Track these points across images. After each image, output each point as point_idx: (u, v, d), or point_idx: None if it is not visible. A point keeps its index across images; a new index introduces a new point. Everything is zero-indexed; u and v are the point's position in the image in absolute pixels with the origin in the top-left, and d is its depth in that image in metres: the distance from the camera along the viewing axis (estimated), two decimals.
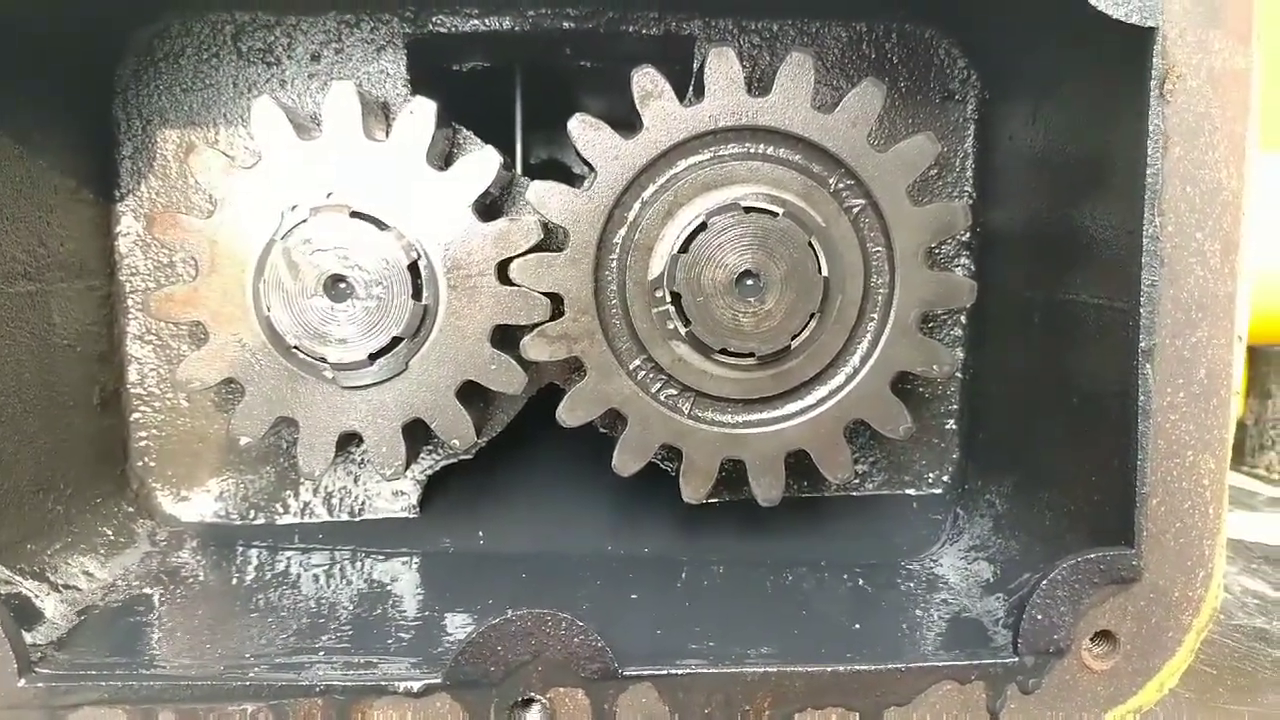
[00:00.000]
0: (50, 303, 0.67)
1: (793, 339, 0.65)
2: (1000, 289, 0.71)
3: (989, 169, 0.73)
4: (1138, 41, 0.50)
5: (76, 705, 0.53)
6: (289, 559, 0.76)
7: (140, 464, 0.76)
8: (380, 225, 0.64)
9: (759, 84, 0.66)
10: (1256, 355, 1.21)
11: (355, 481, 0.77)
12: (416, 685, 0.53)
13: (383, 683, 0.53)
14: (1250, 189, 0.51)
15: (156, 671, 0.56)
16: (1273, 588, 0.93)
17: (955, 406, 0.77)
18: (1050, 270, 0.65)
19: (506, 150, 0.79)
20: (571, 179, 0.68)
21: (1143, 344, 0.51)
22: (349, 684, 0.53)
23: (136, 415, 0.76)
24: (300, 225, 0.64)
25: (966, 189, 0.74)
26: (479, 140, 0.72)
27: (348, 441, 0.68)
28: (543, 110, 0.84)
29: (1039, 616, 0.54)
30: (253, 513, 0.77)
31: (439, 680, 0.53)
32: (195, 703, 0.54)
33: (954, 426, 0.77)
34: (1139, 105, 0.50)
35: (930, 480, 0.77)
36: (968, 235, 0.73)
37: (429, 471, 0.77)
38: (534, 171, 0.72)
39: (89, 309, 0.72)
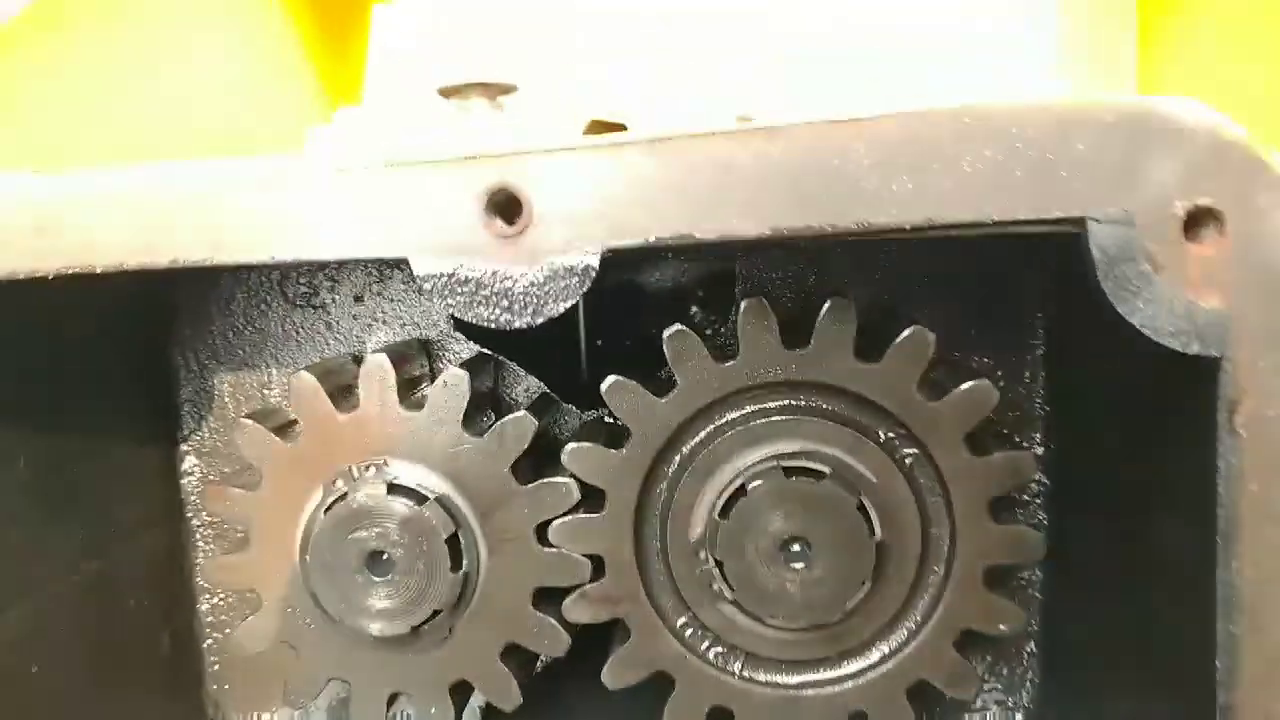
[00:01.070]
0: (119, 571, 0.70)
1: (846, 604, 0.61)
2: (1080, 532, 0.65)
3: (1067, 394, 0.67)
4: (1207, 370, 0.44)
5: None
6: None
7: (215, 688, 0.78)
8: (419, 498, 0.63)
9: (797, 322, 0.62)
10: None
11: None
12: None
13: None
14: None
15: None
16: None
17: (1034, 631, 0.71)
18: (1125, 521, 0.60)
19: (565, 362, 0.77)
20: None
21: (1221, 699, 0.46)
22: None
23: (210, 642, 0.78)
24: (339, 501, 0.64)
25: (1037, 415, 0.68)
26: (522, 372, 0.71)
27: (397, 697, 0.68)
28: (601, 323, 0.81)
29: None
30: None
31: None
32: None
33: (1033, 650, 0.71)
34: (1205, 437, 0.44)
35: (1010, 706, 0.72)
36: (1037, 484, 0.67)
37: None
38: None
39: (158, 557, 0.74)
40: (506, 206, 0.47)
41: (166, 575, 0.75)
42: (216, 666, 0.78)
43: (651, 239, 0.46)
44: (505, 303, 0.48)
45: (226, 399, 0.75)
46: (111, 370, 0.70)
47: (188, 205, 0.48)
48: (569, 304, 0.47)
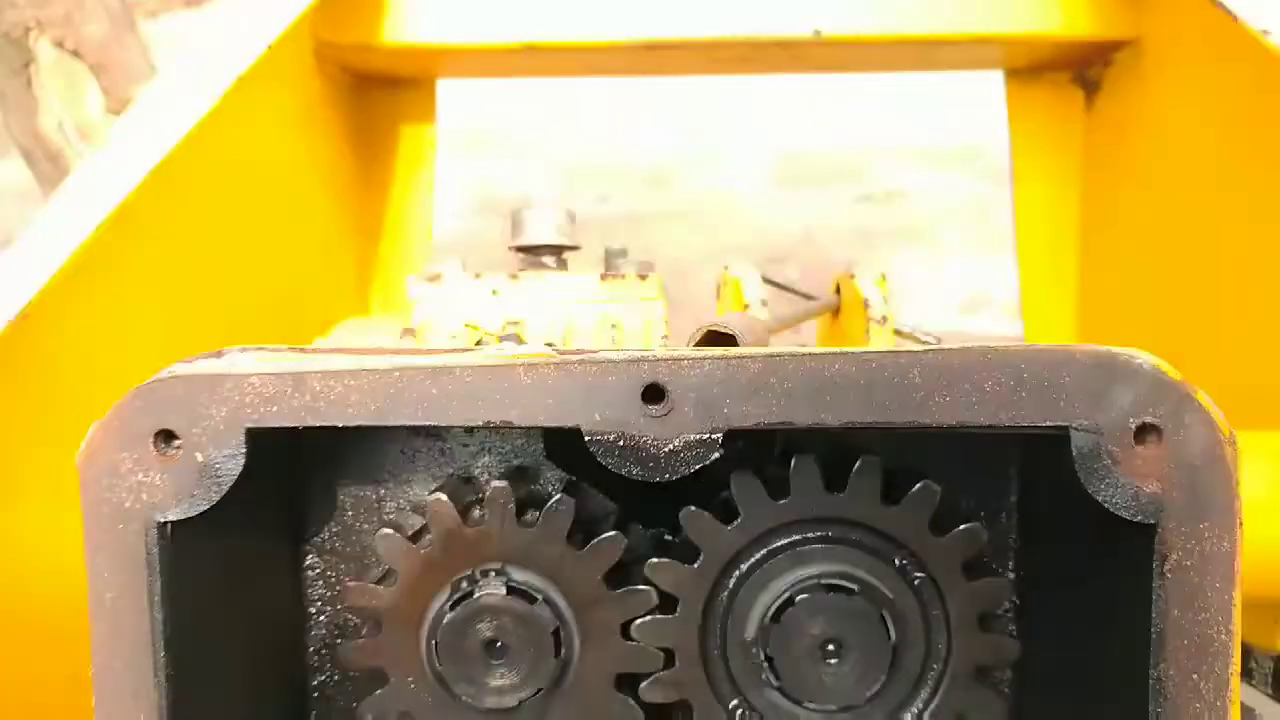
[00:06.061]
0: (262, 646, 0.83)
1: (867, 694, 0.78)
2: (1045, 634, 0.84)
3: (1031, 522, 0.86)
4: (1146, 531, 0.63)
5: None
6: None
7: None
8: (531, 598, 0.79)
9: (834, 472, 0.80)
10: None
11: None
12: None
13: None
14: (1238, 639, 0.64)
15: None
16: None
17: None
18: (1080, 637, 0.78)
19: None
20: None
21: None
22: None
23: (313, 714, 0.91)
24: (465, 598, 0.79)
25: (1010, 540, 0.87)
26: (604, 498, 0.87)
27: None
28: None
29: None
30: None
31: None
32: None
33: None
34: (1145, 583, 0.63)
35: None
36: (1013, 602, 0.86)
37: None
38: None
39: (289, 639, 0.88)
40: (656, 395, 0.64)
41: (291, 652, 0.88)
42: None
43: (761, 424, 0.64)
44: (651, 464, 0.65)
45: (347, 508, 0.90)
46: (264, 483, 0.84)
47: (411, 381, 0.65)
48: (697, 467, 0.65)
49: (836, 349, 0.63)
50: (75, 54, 5.40)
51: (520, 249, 1.13)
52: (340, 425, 0.65)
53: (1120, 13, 1.60)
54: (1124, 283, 1.67)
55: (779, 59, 1.74)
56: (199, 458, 0.65)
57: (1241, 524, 0.63)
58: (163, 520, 0.65)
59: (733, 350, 0.65)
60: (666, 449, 0.65)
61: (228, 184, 1.41)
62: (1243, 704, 1.33)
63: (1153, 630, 0.64)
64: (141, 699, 0.66)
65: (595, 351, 0.64)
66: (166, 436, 0.65)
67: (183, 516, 0.65)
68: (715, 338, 0.88)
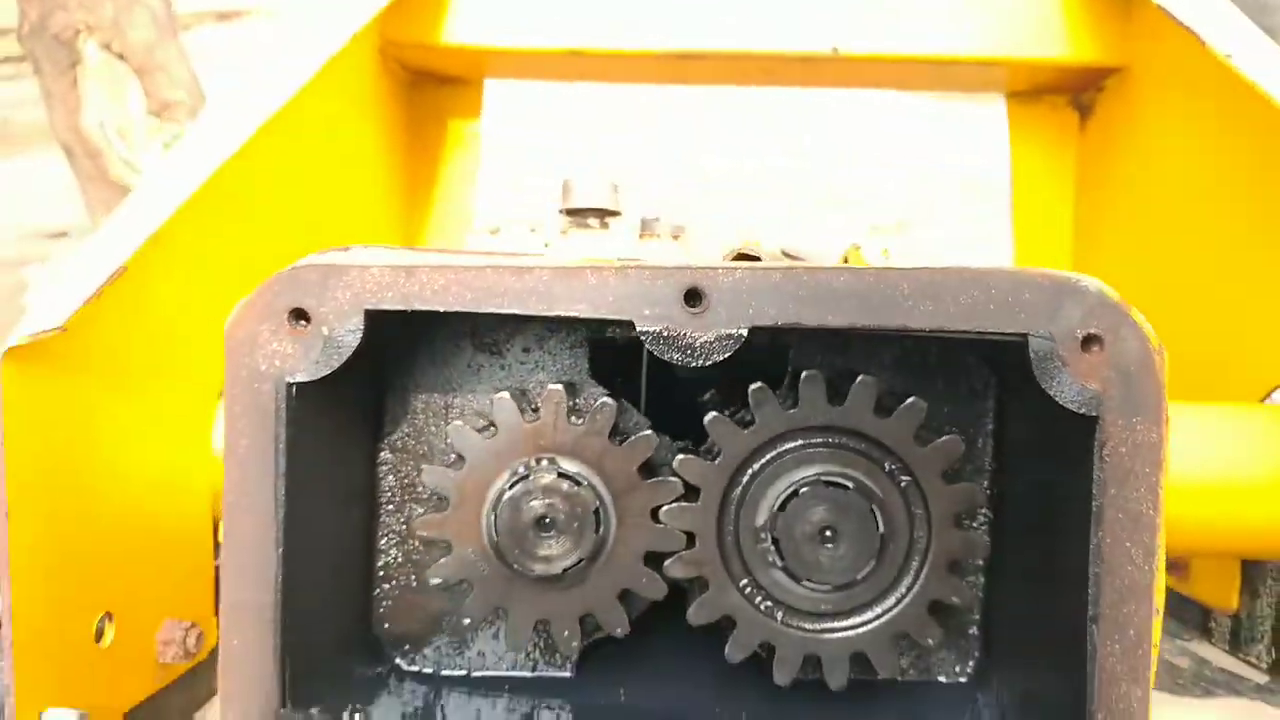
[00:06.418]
0: (347, 529, 0.98)
1: (857, 575, 0.93)
2: (1013, 539, 0.98)
3: (1004, 448, 1.01)
4: (1089, 423, 0.78)
5: None
6: (480, 701, 1.04)
7: (383, 628, 1.06)
8: (577, 482, 0.94)
9: (836, 389, 0.95)
10: (1247, 563, 1.45)
11: (535, 649, 1.06)
12: None
13: None
14: (1162, 515, 0.78)
15: None
16: None
17: (976, 618, 1.03)
18: (1043, 533, 0.93)
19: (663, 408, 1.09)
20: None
21: (1090, 612, 0.78)
22: None
23: (377, 590, 1.06)
24: (520, 480, 0.94)
25: (987, 463, 1.02)
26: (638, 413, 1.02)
27: (541, 624, 0.97)
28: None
29: None
30: (458, 666, 1.05)
31: None
32: None
33: (975, 633, 1.03)
34: (1088, 465, 0.78)
35: (956, 671, 1.03)
36: (987, 495, 1.00)
37: (585, 644, 1.05)
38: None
39: (362, 519, 1.02)
40: (695, 297, 0.80)
41: (364, 532, 1.03)
42: (384, 610, 1.06)
43: (778, 323, 0.79)
44: (689, 351, 0.80)
45: (418, 413, 1.05)
46: (352, 386, 0.99)
47: (501, 277, 0.80)
48: (726, 355, 0.80)
49: (842, 265, 0.79)
50: (120, 57, 5.63)
51: (569, 212, 1.29)
52: (441, 310, 0.80)
53: (1112, 40, 1.77)
54: (1112, 287, 1.82)
55: (799, 73, 1.91)
56: (325, 331, 0.80)
57: (1168, 420, 0.78)
58: (291, 381, 0.81)
59: (758, 263, 0.80)
60: (702, 340, 0.80)
61: (301, 166, 1.57)
62: (1198, 657, 1.47)
63: (1093, 505, 0.78)
64: (264, 527, 0.81)
65: (647, 261, 0.80)
66: (299, 314, 0.80)
67: (308, 379, 0.81)
68: (743, 258, 1.03)
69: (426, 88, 2.09)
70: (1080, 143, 1.99)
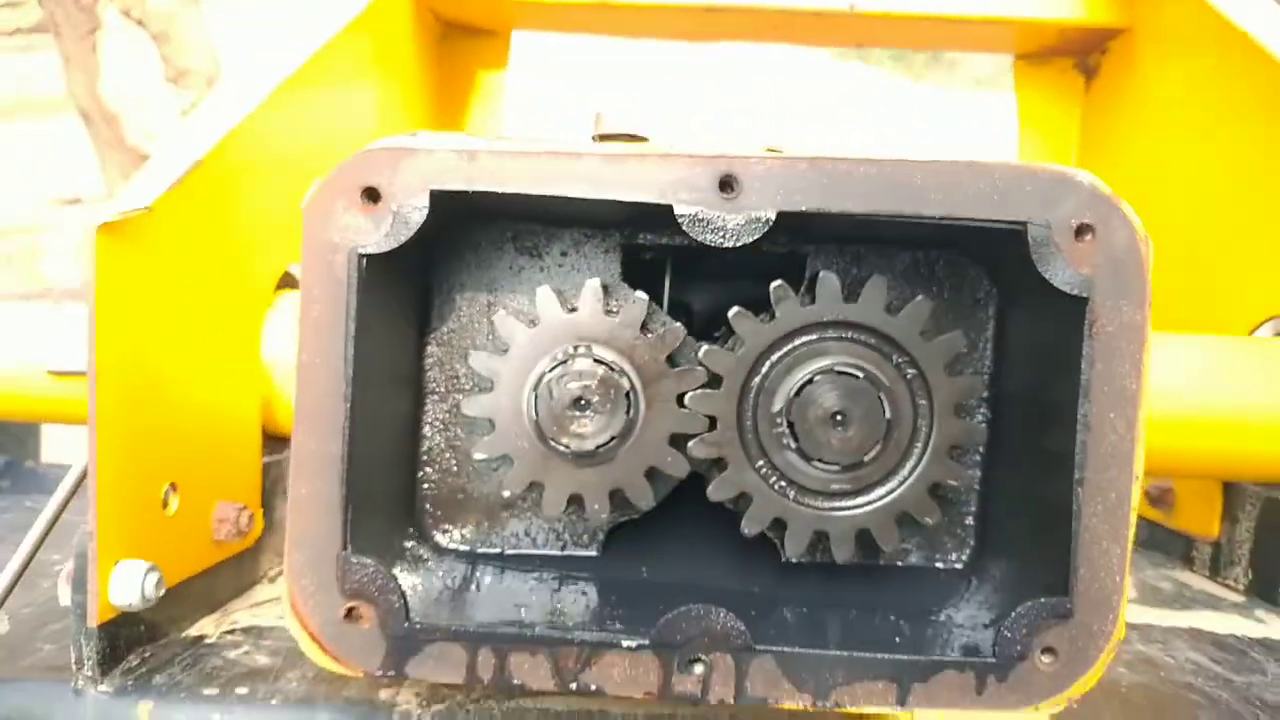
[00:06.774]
0: (399, 412, 1.07)
1: (864, 457, 1.01)
2: (1008, 434, 1.07)
3: (1002, 352, 1.09)
4: (1080, 303, 0.87)
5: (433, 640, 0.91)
6: (512, 576, 1.13)
7: (425, 509, 1.15)
8: (610, 368, 1.02)
9: (850, 290, 1.03)
10: (1229, 488, 1.54)
11: (563, 530, 1.14)
12: (633, 644, 0.89)
13: (612, 641, 0.90)
14: (1146, 389, 0.87)
15: (474, 627, 0.94)
16: (1211, 661, 1.25)
17: (973, 508, 1.12)
18: (1036, 423, 1.01)
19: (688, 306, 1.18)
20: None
21: (1076, 476, 0.87)
22: (589, 640, 0.90)
23: (420, 474, 1.15)
24: (560, 365, 1.03)
25: (986, 365, 1.10)
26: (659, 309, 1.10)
27: (574, 500, 1.05)
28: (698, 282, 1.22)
29: (1009, 636, 0.89)
30: (492, 545, 1.14)
31: (646, 643, 0.90)
32: (504, 643, 0.91)
33: (971, 523, 1.12)
34: (1079, 340, 0.86)
35: (954, 558, 1.12)
36: (985, 396, 1.09)
37: (611, 524, 1.14)
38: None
39: (410, 406, 1.11)
40: (729, 183, 0.88)
41: (412, 418, 1.12)
42: (426, 492, 1.15)
43: (803, 208, 0.88)
44: (722, 233, 0.89)
45: (462, 310, 1.13)
46: (405, 283, 1.08)
47: (555, 162, 0.89)
48: (756, 237, 0.89)
49: (863, 156, 0.87)
50: (140, 23, 5.69)
51: (602, 137, 1.37)
52: (500, 191, 0.88)
53: (1116, 1, 1.85)
54: None
55: (815, 28, 1.99)
56: (394, 208, 0.89)
57: (1150, 303, 0.87)
58: (362, 252, 0.89)
59: (786, 153, 0.89)
60: (733, 223, 0.89)
61: (334, 107, 1.65)
62: (1179, 582, 1.56)
63: (1082, 379, 0.87)
64: (335, 381, 0.90)
65: (687, 150, 0.88)
66: (370, 192, 0.89)
67: (377, 251, 0.89)
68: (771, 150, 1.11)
69: (455, 39, 2.17)
70: (1085, 103, 2.07)
